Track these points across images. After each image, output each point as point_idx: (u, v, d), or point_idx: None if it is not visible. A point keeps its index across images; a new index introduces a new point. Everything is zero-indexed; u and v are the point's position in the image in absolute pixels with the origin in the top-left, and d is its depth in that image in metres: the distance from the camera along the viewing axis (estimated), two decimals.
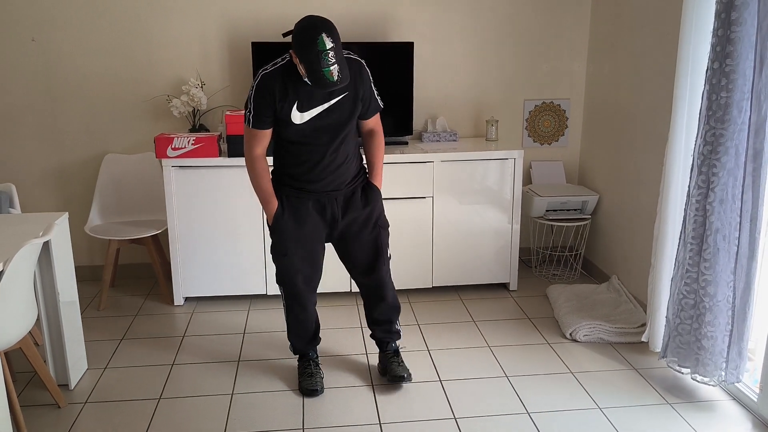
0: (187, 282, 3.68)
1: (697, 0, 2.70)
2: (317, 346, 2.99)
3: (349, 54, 2.57)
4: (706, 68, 2.59)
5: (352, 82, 2.56)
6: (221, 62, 3.92)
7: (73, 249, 4.03)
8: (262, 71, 2.53)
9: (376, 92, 2.69)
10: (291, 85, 2.50)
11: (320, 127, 2.56)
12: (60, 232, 2.78)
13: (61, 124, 3.90)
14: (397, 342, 2.99)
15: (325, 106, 2.55)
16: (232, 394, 2.82)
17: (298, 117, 2.53)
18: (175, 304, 3.72)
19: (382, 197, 2.82)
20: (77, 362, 2.93)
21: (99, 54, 3.83)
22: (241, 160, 3.52)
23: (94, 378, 2.96)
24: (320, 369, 2.92)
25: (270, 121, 2.57)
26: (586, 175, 4.24)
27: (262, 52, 3.75)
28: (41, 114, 3.87)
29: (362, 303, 3.12)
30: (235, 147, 3.50)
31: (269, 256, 3.63)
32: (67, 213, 2.85)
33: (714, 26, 2.52)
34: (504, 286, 3.97)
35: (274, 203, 2.68)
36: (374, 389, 2.85)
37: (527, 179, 4.28)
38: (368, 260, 2.80)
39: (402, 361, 2.91)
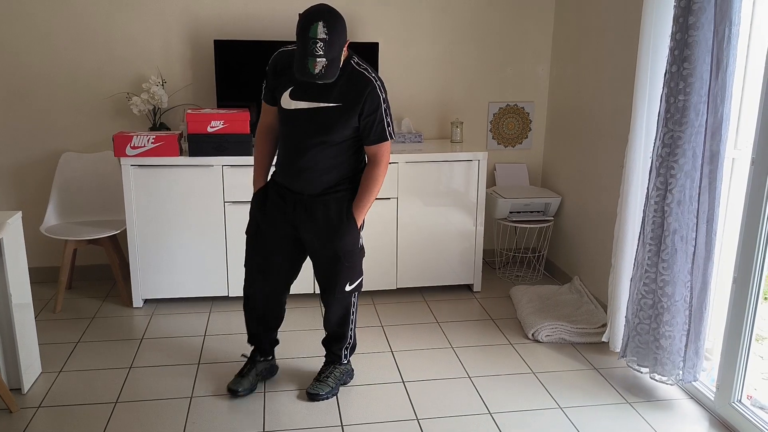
0: (146, 284, 3.60)
1: (657, 4, 2.75)
2: (271, 350, 2.91)
3: (365, 71, 2.46)
4: (664, 72, 2.63)
5: (352, 97, 2.44)
6: (183, 60, 3.86)
7: (28, 250, 3.93)
8: (282, 48, 2.55)
9: (387, 121, 2.50)
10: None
11: (303, 123, 2.49)
12: (12, 232, 2.69)
13: (16, 121, 3.79)
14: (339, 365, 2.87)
15: (314, 105, 2.46)
16: (191, 397, 2.77)
17: (286, 102, 2.49)
18: (134, 306, 3.64)
19: (358, 230, 2.62)
20: (30, 366, 2.84)
21: (57, 49, 3.73)
22: (202, 160, 3.47)
23: (48, 382, 2.87)
24: (256, 372, 2.83)
25: (269, 97, 2.58)
26: (549, 177, 4.28)
27: (225, 50, 3.70)
28: None
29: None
30: (196, 146, 3.44)
31: (231, 258, 3.59)
32: (20, 212, 2.77)
33: (672, 30, 2.57)
34: (468, 288, 3.98)
35: (259, 180, 2.69)
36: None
37: (491, 181, 4.30)
38: (323, 284, 2.73)
39: (324, 379, 2.80)
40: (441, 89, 4.15)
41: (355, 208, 2.57)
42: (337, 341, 2.84)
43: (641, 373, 2.95)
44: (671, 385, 2.83)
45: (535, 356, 3.16)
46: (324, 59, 2.27)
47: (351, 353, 2.89)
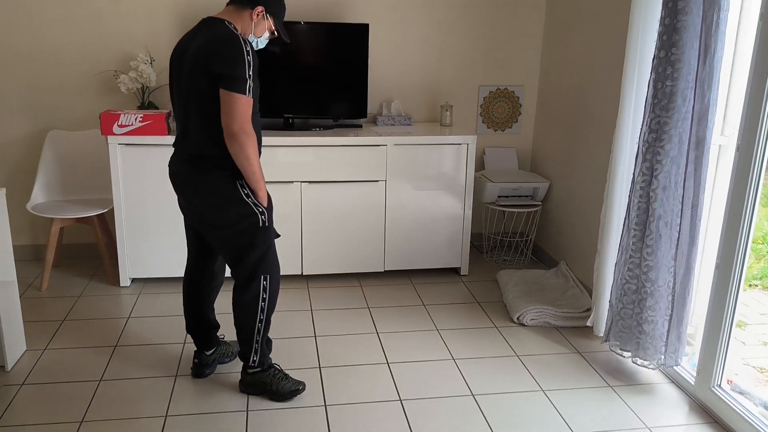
0: (133, 263, 3.59)
1: None
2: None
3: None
4: (653, 57, 2.62)
5: None
6: (172, 38, 3.82)
7: (14, 228, 3.94)
8: (242, 36, 2.34)
9: None
10: None
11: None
12: None
13: (1, 99, 3.75)
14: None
15: None
16: (176, 376, 2.78)
17: None
18: (121, 285, 3.63)
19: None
20: (15, 343, 2.84)
21: (44, 26, 3.69)
22: None
23: (32, 360, 2.87)
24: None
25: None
26: (538, 161, 4.28)
27: None
28: None
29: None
30: None
31: None
32: (4, 189, 2.75)
33: (661, 15, 2.56)
34: (455, 271, 3.99)
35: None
36: (321, 372, 2.84)
37: (480, 165, 4.30)
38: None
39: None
40: (431, 72, 4.13)
41: None
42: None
43: (624, 357, 2.97)
44: (653, 369, 2.85)
45: (520, 339, 3.18)
46: None
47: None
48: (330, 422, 2.49)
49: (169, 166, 2.55)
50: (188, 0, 3.78)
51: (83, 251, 4.04)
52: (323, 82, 3.81)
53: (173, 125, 3.50)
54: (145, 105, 3.74)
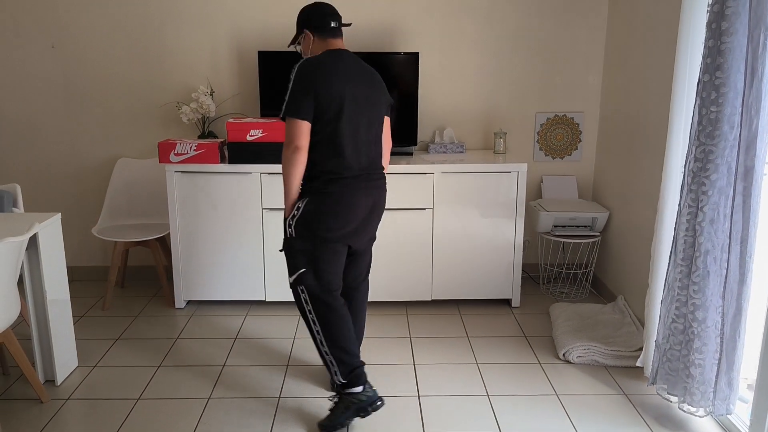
0: (188, 285, 3.73)
1: (693, 10, 2.58)
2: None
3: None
4: (697, 81, 2.46)
5: None
6: (231, 71, 3.99)
7: (86, 249, 4.20)
8: None
9: (286, 97, 2.56)
10: None
11: None
12: (50, 232, 2.87)
13: (78, 129, 4.04)
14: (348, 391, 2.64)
15: None
16: (209, 398, 2.84)
17: None
18: (176, 306, 3.78)
19: (288, 220, 2.58)
20: (66, 359, 3.01)
21: (115, 61, 3.96)
22: (241, 167, 3.57)
23: (81, 375, 3.03)
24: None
25: None
26: (599, 190, 4.10)
27: (268, 60, 3.79)
28: (59, 118, 4.03)
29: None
30: (235, 154, 3.54)
31: (268, 263, 3.67)
32: (59, 213, 2.94)
33: (705, 36, 2.40)
34: (507, 302, 3.87)
35: None
36: None
37: (538, 193, 4.17)
38: None
39: (331, 409, 2.63)
40: (486, 99, 4.07)
41: None
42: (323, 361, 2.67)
43: (671, 402, 2.76)
44: (701, 417, 2.63)
45: (563, 378, 3.02)
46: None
47: (342, 380, 2.59)
48: None
49: (350, 194, 2.56)
50: (245, 35, 3.93)
51: (147, 273, 4.24)
52: None
53: (227, 154, 3.63)
54: (205, 134, 3.91)
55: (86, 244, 4.18)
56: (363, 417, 2.60)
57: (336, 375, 2.60)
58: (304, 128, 2.48)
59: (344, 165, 2.53)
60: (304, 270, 2.57)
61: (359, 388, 2.58)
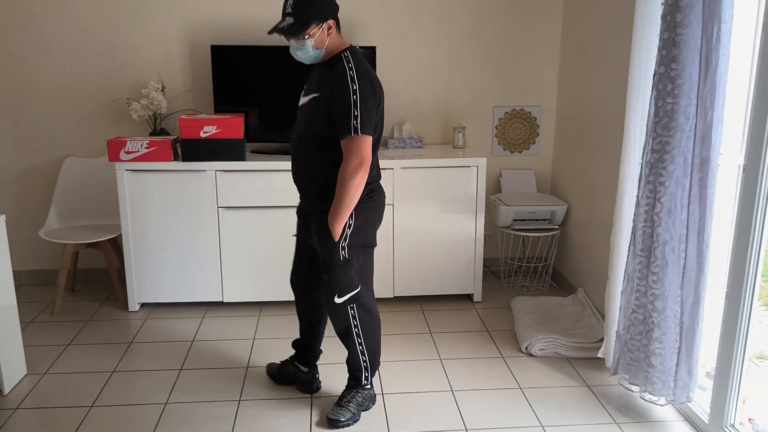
0: (142, 288, 3.62)
1: (648, 3, 2.60)
2: (307, 359, 2.87)
3: (348, 61, 2.35)
4: (653, 73, 2.48)
5: (327, 85, 2.36)
6: (183, 66, 3.87)
7: (32, 253, 4.03)
8: None
9: (354, 113, 2.29)
10: (312, 69, 2.55)
11: (299, 119, 2.52)
12: None
13: (21, 127, 3.87)
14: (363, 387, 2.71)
15: (307, 98, 2.47)
16: (166, 403, 2.75)
17: (301, 98, 2.55)
18: (130, 309, 3.66)
19: (338, 242, 2.44)
20: (14, 367, 2.88)
21: (62, 57, 3.80)
22: (196, 165, 3.47)
23: (31, 384, 2.89)
24: (294, 369, 2.86)
25: None
26: (558, 184, 4.13)
27: (222, 55, 3.69)
28: (3, 116, 3.85)
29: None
30: (189, 151, 3.44)
31: (225, 264, 3.58)
32: (3, 216, 2.80)
33: (660, 29, 2.42)
34: (469, 297, 3.87)
35: None
36: (312, 400, 2.76)
37: (497, 188, 4.18)
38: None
39: (345, 404, 2.64)
40: (444, 94, 4.05)
41: (330, 217, 2.40)
42: (350, 357, 2.66)
43: (632, 392, 2.79)
44: (662, 405, 2.66)
45: (526, 371, 3.02)
46: (291, 18, 2.33)
47: (372, 375, 2.69)
48: None
49: (384, 196, 2.62)
50: (197, 29, 3.82)
51: (99, 276, 4.09)
52: None
53: (180, 151, 3.52)
54: (157, 132, 3.79)
55: (34, 247, 4.01)
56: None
57: (367, 376, 2.68)
58: (371, 144, 2.38)
59: (379, 169, 2.57)
60: (359, 288, 2.53)
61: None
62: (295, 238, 2.76)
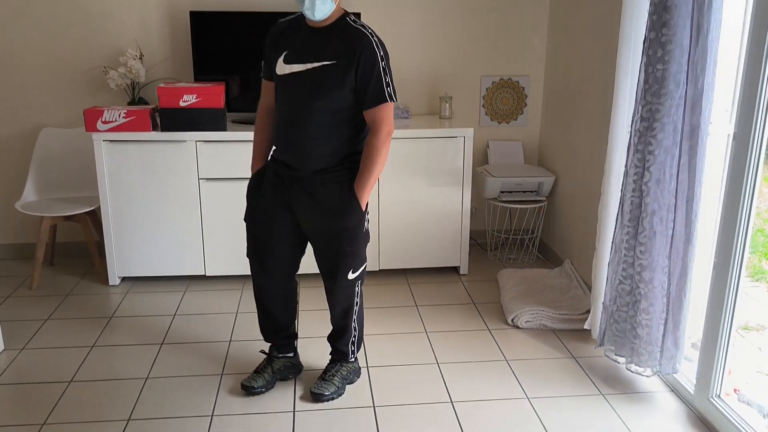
0: (122, 261, 3.54)
1: None
2: (289, 345, 2.68)
3: (362, 27, 2.28)
4: (643, 39, 2.42)
5: (347, 52, 2.24)
6: (161, 33, 3.76)
7: (7, 226, 3.94)
8: (280, 19, 2.45)
9: (386, 81, 2.27)
10: (290, 34, 2.34)
11: (297, 88, 2.30)
12: None
13: None
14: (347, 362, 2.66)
15: (308, 66, 2.28)
16: (147, 378, 2.70)
17: (280, 67, 2.33)
18: (110, 284, 3.59)
19: (364, 212, 2.40)
20: None
21: (35, 24, 3.67)
22: (175, 135, 3.38)
23: (8, 359, 2.83)
24: (272, 370, 2.62)
25: (267, 69, 2.44)
26: (545, 155, 4.08)
27: (201, 21, 3.59)
28: None
29: None
30: (168, 121, 3.35)
31: (207, 236, 3.51)
32: None
33: None
34: (455, 270, 3.83)
35: (256, 163, 2.52)
36: (295, 377, 2.73)
37: (484, 159, 4.12)
38: (324, 270, 2.51)
39: (329, 378, 2.58)
40: (430, 63, 3.97)
41: (358, 185, 2.34)
42: (342, 336, 2.61)
43: (618, 363, 2.77)
44: (648, 376, 2.65)
45: (511, 343, 3.00)
46: None
47: (358, 349, 2.66)
48: (296, 428, 2.37)
49: None
50: None
51: (78, 249, 4.01)
52: None
53: (159, 120, 3.43)
54: (135, 101, 3.69)
55: (10, 220, 3.92)
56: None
57: (354, 348, 2.65)
58: None
59: None
60: (366, 262, 2.54)
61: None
62: (256, 228, 2.51)
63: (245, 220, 2.52)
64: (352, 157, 2.38)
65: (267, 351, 2.72)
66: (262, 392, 2.57)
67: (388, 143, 2.33)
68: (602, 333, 2.77)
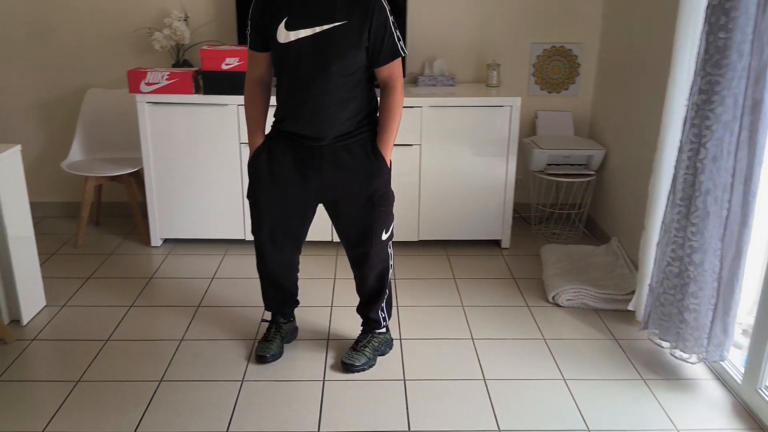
0: (164, 223, 3.57)
1: None
2: (292, 311, 2.72)
3: None
4: (706, 5, 2.25)
5: (358, 11, 2.17)
6: None
7: (58, 185, 4.01)
8: None
9: (396, 35, 2.25)
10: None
11: (307, 54, 2.19)
12: (9, 165, 2.68)
13: (45, 57, 3.80)
14: (379, 331, 2.64)
15: (317, 29, 2.18)
16: (181, 339, 2.72)
17: (283, 35, 2.20)
18: (152, 245, 3.63)
19: (389, 170, 2.39)
20: (32, 299, 2.88)
21: None
22: (217, 98, 3.36)
23: (49, 315, 2.90)
24: (281, 336, 2.64)
25: (259, 42, 2.29)
26: (597, 127, 3.90)
27: None
28: (24, 47, 3.77)
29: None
30: (211, 84, 3.33)
31: (246, 200, 3.49)
32: (19, 146, 2.75)
33: None
34: (497, 243, 3.73)
35: (256, 138, 2.40)
36: (327, 344, 2.71)
37: (532, 130, 3.98)
38: (356, 236, 2.45)
39: (360, 349, 2.56)
40: (479, 28, 3.82)
41: (382, 144, 2.33)
42: (375, 302, 2.56)
43: (663, 348, 2.65)
44: (693, 363, 2.52)
45: (551, 321, 2.91)
46: None
47: (389, 315, 2.64)
48: (325, 396, 2.35)
49: None
50: None
51: (123, 210, 4.06)
52: None
53: (201, 83, 3.41)
54: (180, 63, 3.68)
55: (60, 178, 4.00)
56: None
57: (386, 314, 2.64)
58: None
59: None
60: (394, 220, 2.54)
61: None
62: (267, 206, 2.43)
63: (249, 197, 2.45)
64: (370, 117, 2.36)
65: (268, 319, 2.70)
66: (273, 360, 2.57)
67: (403, 97, 2.35)
68: (647, 315, 2.65)
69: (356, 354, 2.54)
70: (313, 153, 2.31)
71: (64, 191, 4.05)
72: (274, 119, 2.40)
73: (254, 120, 2.41)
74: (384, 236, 2.44)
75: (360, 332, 2.65)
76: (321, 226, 2.82)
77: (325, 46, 2.19)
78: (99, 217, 3.96)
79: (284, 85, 2.30)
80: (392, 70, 2.28)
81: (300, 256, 2.62)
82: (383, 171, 2.35)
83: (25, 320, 2.81)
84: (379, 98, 2.36)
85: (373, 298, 2.57)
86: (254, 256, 2.59)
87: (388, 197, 2.41)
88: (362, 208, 2.38)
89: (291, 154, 2.34)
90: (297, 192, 2.38)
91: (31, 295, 2.87)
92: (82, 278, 3.26)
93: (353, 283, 2.60)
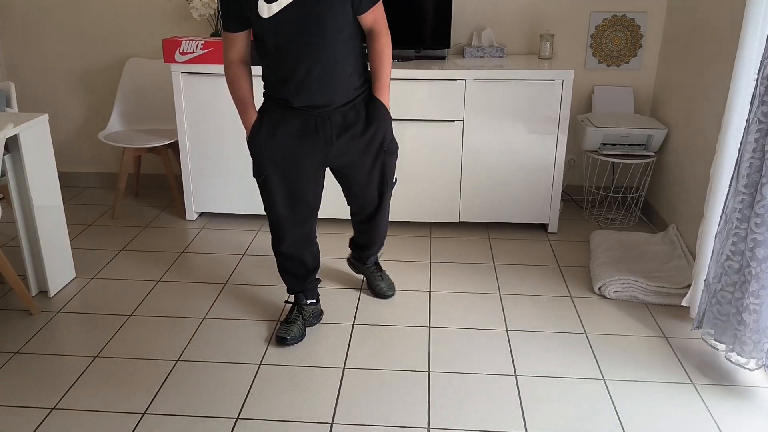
0: (199, 196, 3.51)
1: None
2: (314, 290, 2.62)
3: None
4: None
5: None
6: None
7: (99, 156, 4.01)
8: None
9: None
10: None
11: (296, 21, 2.12)
12: (36, 134, 2.64)
13: (85, 26, 3.76)
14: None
15: None
16: (204, 318, 2.65)
17: (265, 9, 2.11)
18: (188, 218, 3.58)
19: (390, 115, 2.39)
20: (60, 270, 2.86)
21: None
22: (256, 69, 3.23)
23: (78, 287, 2.88)
24: (303, 318, 2.54)
25: (239, 22, 2.19)
26: (659, 105, 3.59)
27: None
28: (65, 14, 3.75)
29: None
30: None
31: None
32: (46, 114, 2.71)
33: None
34: (543, 228, 3.50)
35: (250, 115, 2.32)
36: (353, 329, 2.58)
37: (588, 106, 3.70)
38: (371, 192, 2.48)
39: (383, 275, 2.84)
40: None
41: (378, 92, 2.34)
42: (381, 245, 2.78)
43: (717, 350, 2.40)
44: (751, 370, 2.26)
45: (595, 315, 2.69)
46: None
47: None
48: (343, 385, 2.23)
49: None
50: None
51: (162, 182, 4.03)
52: (402, 6, 3.41)
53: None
54: (218, 32, 3.57)
55: (101, 150, 3.99)
56: None
57: (379, 252, 2.83)
58: None
59: None
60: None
61: None
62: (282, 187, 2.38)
63: (257, 176, 2.36)
64: (366, 71, 2.37)
65: (292, 300, 2.61)
66: (294, 343, 2.47)
67: (390, 41, 2.35)
68: (701, 313, 2.40)
69: (384, 282, 2.83)
70: (323, 120, 2.28)
71: (107, 162, 4.04)
72: (264, 91, 2.34)
73: (243, 99, 2.33)
74: (395, 178, 2.56)
75: (365, 265, 2.84)
76: (345, 203, 2.67)
77: (312, 5, 2.11)
78: (139, 188, 3.94)
79: (277, 60, 2.21)
80: (376, 14, 2.27)
81: (326, 235, 2.54)
82: (387, 118, 2.38)
83: (52, 292, 2.80)
84: (367, 49, 2.34)
85: (379, 245, 2.75)
86: None
87: (393, 145, 2.46)
88: (374, 160, 2.41)
89: (292, 123, 2.28)
90: (303, 160, 2.33)
91: (60, 267, 2.85)
92: (115, 250, 3.23)
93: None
